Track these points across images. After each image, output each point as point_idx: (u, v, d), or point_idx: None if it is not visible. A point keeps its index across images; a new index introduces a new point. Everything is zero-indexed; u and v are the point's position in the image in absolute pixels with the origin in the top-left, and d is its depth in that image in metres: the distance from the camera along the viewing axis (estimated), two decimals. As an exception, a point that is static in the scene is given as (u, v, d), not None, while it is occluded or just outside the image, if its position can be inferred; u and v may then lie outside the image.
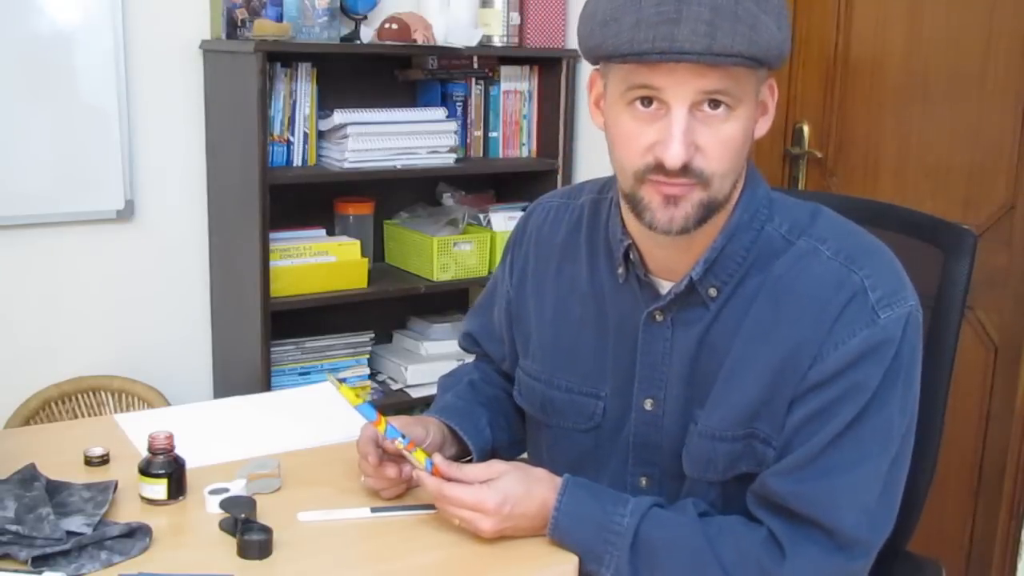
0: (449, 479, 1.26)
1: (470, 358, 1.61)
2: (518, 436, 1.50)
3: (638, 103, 1.12)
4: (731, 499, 1.24)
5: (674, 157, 1.09)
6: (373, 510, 1.31)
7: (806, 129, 2.72)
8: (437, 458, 1.28)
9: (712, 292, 1.22)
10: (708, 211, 1.15)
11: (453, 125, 2.72)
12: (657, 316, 1.26)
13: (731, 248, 1.21)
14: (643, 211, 1.16)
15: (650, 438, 1.29)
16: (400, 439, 1.27)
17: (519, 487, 1.25)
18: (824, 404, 1.15)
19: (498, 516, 1.22)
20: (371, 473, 1.32)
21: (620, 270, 1.29)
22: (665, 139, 1.10)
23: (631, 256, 1.26)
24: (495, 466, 1.27)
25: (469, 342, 1.56)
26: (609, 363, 1.31)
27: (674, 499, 1.28)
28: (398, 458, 1.32)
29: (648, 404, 1.28)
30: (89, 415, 2.56)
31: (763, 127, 1.20)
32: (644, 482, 1.31)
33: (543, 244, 1.40)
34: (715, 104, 1.10)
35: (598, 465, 1.35)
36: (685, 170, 1.11)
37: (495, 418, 1.45)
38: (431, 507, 1.31)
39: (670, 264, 1.24)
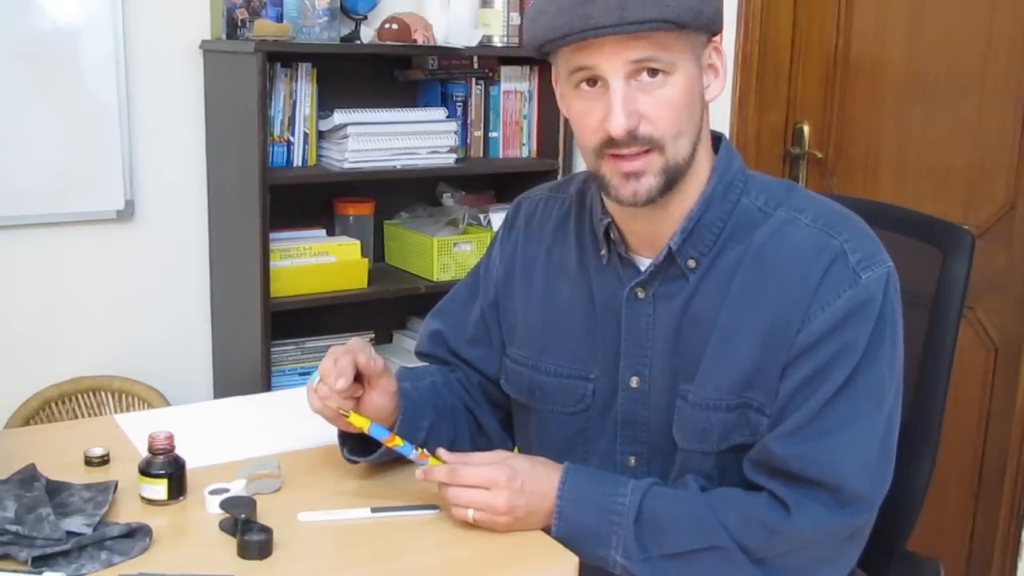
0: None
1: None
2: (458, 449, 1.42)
3: (584, 85, 1.20)
4: (727, 471, 1.26)
5: (617, 127, 1.16)
6: (373, 510, 1.31)
7: (806, 129, 2.72)
8: (442, 452, 1.30)
9: (691, 264, 1.26)
10: (670, 176, 1.21)
11: (453, 125, 2.72)
12: (639, 293, 1.29)
13: (707, 218, 1.25)
14: (607, 187, 1.23)
15: (637, 415, 1.32)
16: (413, 452, 1.29)
17: (526, 463, 1.28)
18: (817, 367, 1.19)
19: (510, 489, 1.24)
20: (327, 397, 1.26)
21: (603, 251, 1.32)
22: (607, 112, 1.17)
23: (611, 235, 1.30)
24: (498, 452, 1.31)
25: (435, 342, 1.49)
26: (597, 345, 1.34)
27: (664, 477, 1.30)
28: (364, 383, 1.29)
29: (634, 381, 1.31)
30: (89, 415, 2.57)
31: (716, 89, 1.25)
32: (633, 461, 1.33)
33: (533, 233, 1.43)
34: (652, 72, 1.17)
35: (587, 447, 1.37)
36: (634, 138, 1.18)
37: (439, 425, 1.40)
38: (431, 507, 1.31)
39: (649, 238, 1.28)
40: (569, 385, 1.36)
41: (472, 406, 1.47)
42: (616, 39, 1.15)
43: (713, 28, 1.21)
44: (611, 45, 1.15)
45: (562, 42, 1.16)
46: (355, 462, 1.40)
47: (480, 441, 1.48)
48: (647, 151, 1.19)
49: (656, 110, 1.17)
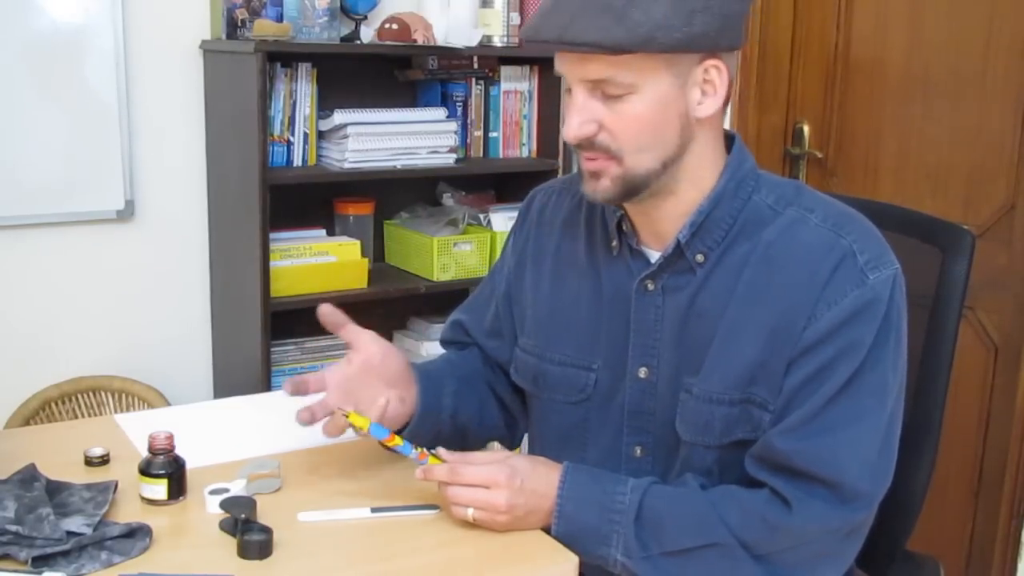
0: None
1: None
2: (490, 417, 1.49)
3: (571, 91, 1.23)
4: (728, 466, 1.27)
5: (565, 133, 1.22)
6: (373, 510, 1.31)
7: (806, 129, 2.72)
8: (442, 451, 1.30)
9: (699, 258, 1.27)
10: (628, 185, 1.23)
11: (453, 125, 2.72)
12: (648, 285, 1.31)
13: (717, 214, 1.26)
14: (581, 180, 1.27)
15: (644, 406, 1.33)
16: (413, 451, 1.29)
17: (526, 463, 1.29)
18: (821, 364, 1.20)
19: (511, 488, 1.25)
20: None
21: (614, 242, 1.34)
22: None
23: (624, 227, 1.32)
24: (498, 452, 1.32)
25: (456, 330, 1.55)
26: (603, 335, 1.35)
27: (669, 469, 1.31)
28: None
29: (642, 372, 1.32)
30: (89, 415, 2.57)
31: (710, 107, 1.24)
32: (639, 451, 1.34)
33: (544, 225, 1.45)
34: (607, 92, 1.19)
35: (585, 438, 1.38)
36: (592, 145, 1.22)
37: (463, 391, 1.44)
38: (431, 507, 1.31)
39: (658, 231, 1.30)
40: (572, 374, 1.38)
41: (491, 379, 1.50)
42: (571, 56, 1.19)
43: (697, 47, 1.17)
44: (573, 60, 1.19)
45: (528, 44, 1.22)
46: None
47: (505, 417, 1.51)
48: (607, 156, 1.22)
49: (615, 123, 1.20)
